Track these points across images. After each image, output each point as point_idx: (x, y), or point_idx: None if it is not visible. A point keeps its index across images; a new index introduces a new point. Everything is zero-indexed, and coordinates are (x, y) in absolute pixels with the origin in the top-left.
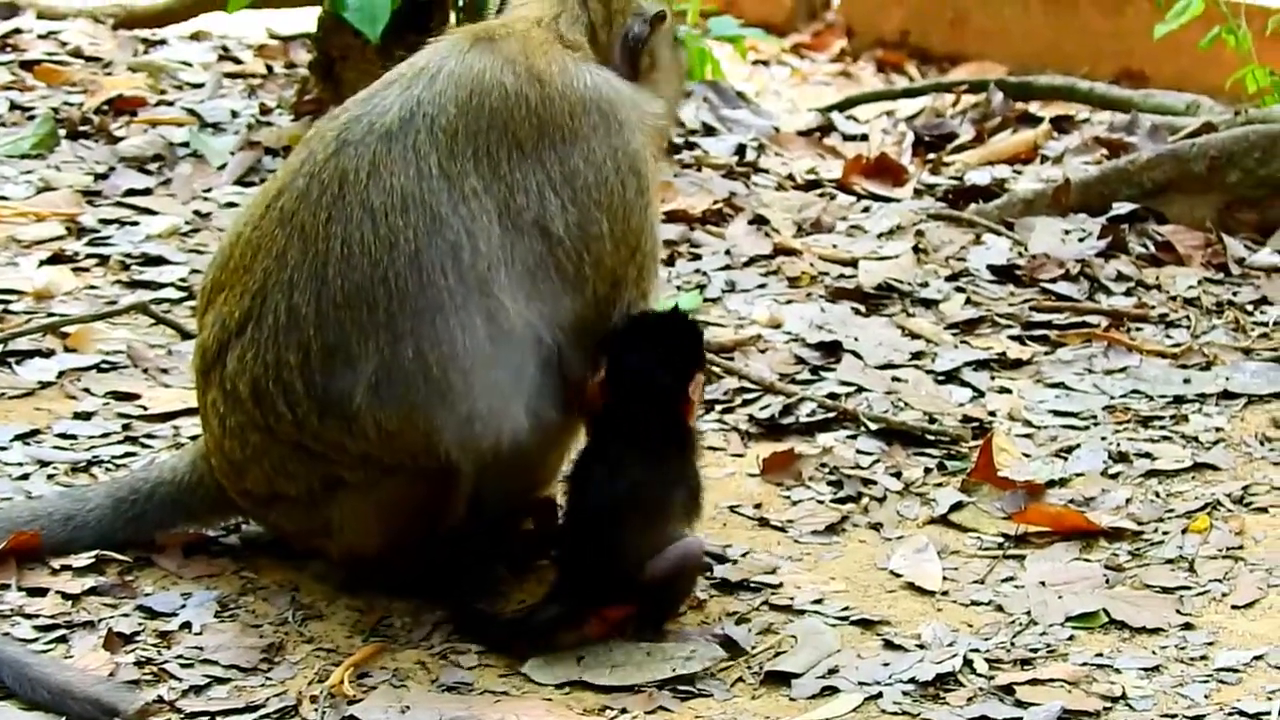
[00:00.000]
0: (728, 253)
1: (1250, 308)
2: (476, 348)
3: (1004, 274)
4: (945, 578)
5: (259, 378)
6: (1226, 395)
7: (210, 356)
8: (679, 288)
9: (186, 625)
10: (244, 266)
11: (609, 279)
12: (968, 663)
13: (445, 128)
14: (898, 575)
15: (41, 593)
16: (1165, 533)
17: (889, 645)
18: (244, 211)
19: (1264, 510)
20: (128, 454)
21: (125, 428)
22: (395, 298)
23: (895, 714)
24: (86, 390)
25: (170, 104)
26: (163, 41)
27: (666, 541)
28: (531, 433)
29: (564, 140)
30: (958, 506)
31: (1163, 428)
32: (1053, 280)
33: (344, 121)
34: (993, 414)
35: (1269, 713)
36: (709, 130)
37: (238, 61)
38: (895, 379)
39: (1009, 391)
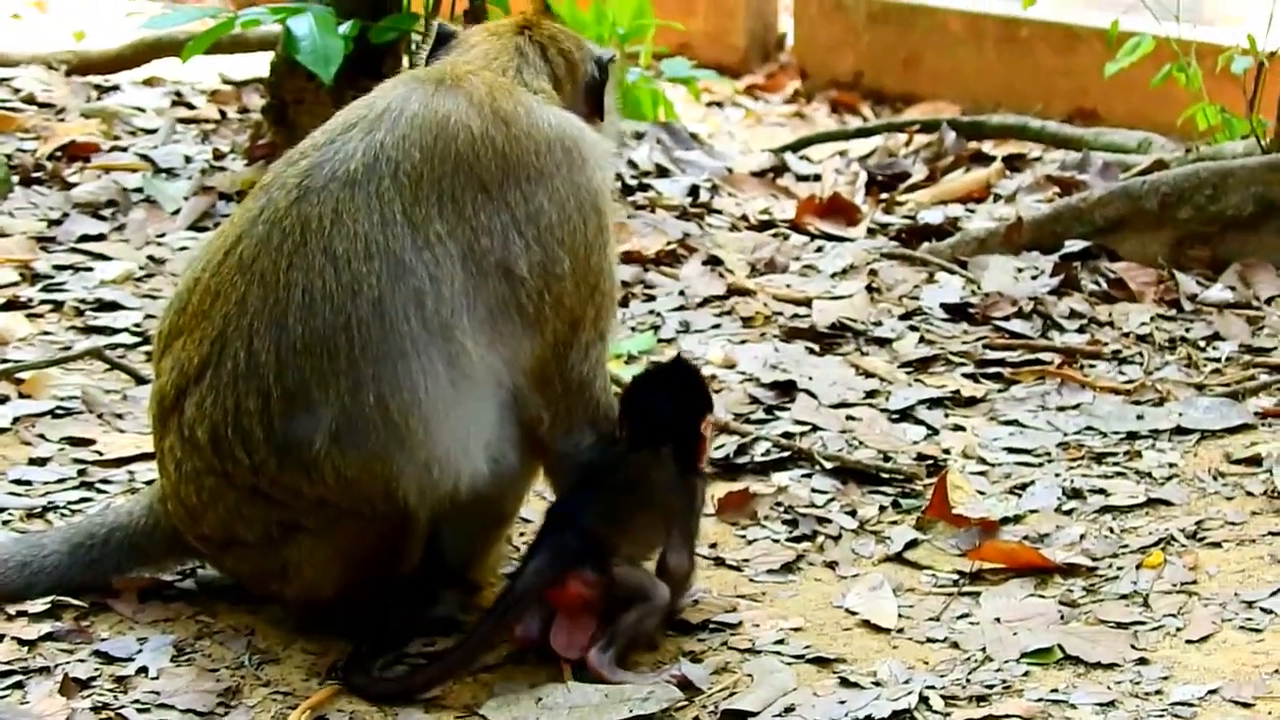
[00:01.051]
0: (682, 293)
1: (1203, 343)
2: (438, 393)
3: (957, 312)
4: (901, 615)
5: (218, 424)
6: (1180, 431)
7: (168, 402)
8: (634, 329)
9: (143, 670)
10: (202, 312)
11: (568, 319)
12: (924, 700)
13: (409, 173)
14: (853, 613)
15: None
16: (1119, 568)
17: (845, 683)
18: (201, 257)
19: (1217, 545)
20: (83, 499)
21: (81, 473)
22: (357, 344)
23: None
24: (41, 436)
25: (124, 150)
26: (116, 87)
27: (642, 559)
28: (490, 477)
29: (529, 179)
30: (913, 544)
31: (1116, 464)
32: (1006, 318)
33: (305, 167)
34: (947, 452)
35: None
36: (663, 172)
37: (191, 107)
38: (850, 418)
39: (963, 429)
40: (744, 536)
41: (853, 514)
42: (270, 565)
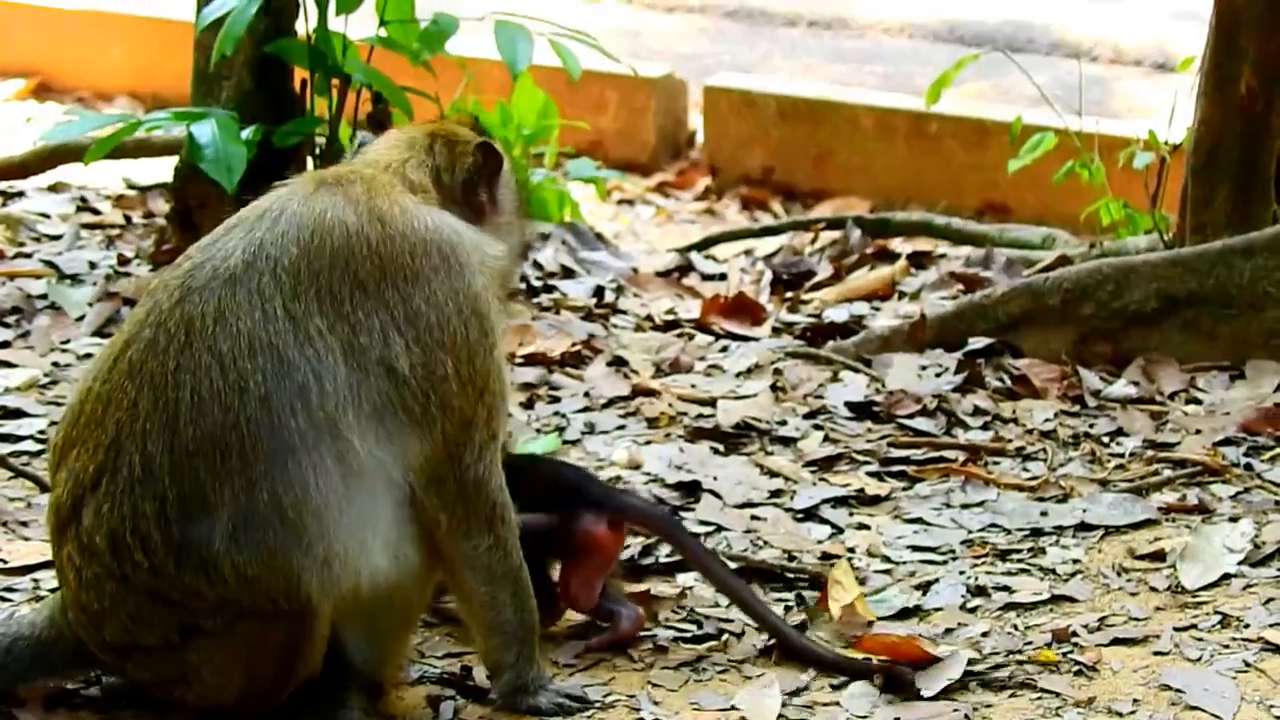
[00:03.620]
0: (587, 394)
1: (1106, 439)
2: (330, 489)
3: (862, 411)
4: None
5: (115, 530)
6: (1084, 527)
7: (65, 513)
8: (538, 430)
9: None
10: (95, 420)
11: (458, 420)
12: None
13: (288, 268)
14: (736, 709)
15: None
16: (1020, 663)
17: None
18: (93, 366)
19: (1121, 641)
20: None
21: None
22: (247, 442)
23: None
24: None
25: (28, 256)
26: (20, 194)
27: None
28: (393, 574)
29: (405, 280)
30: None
31: (1020, 560)
32: (910, 416)
33: (187, 269)
34: (851, 550)
35: None
36: (567, 272)
37: (96, 212)
38: (754, 517)
39: (867, 528)
40: (651, 637)
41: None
42: (171, 671)
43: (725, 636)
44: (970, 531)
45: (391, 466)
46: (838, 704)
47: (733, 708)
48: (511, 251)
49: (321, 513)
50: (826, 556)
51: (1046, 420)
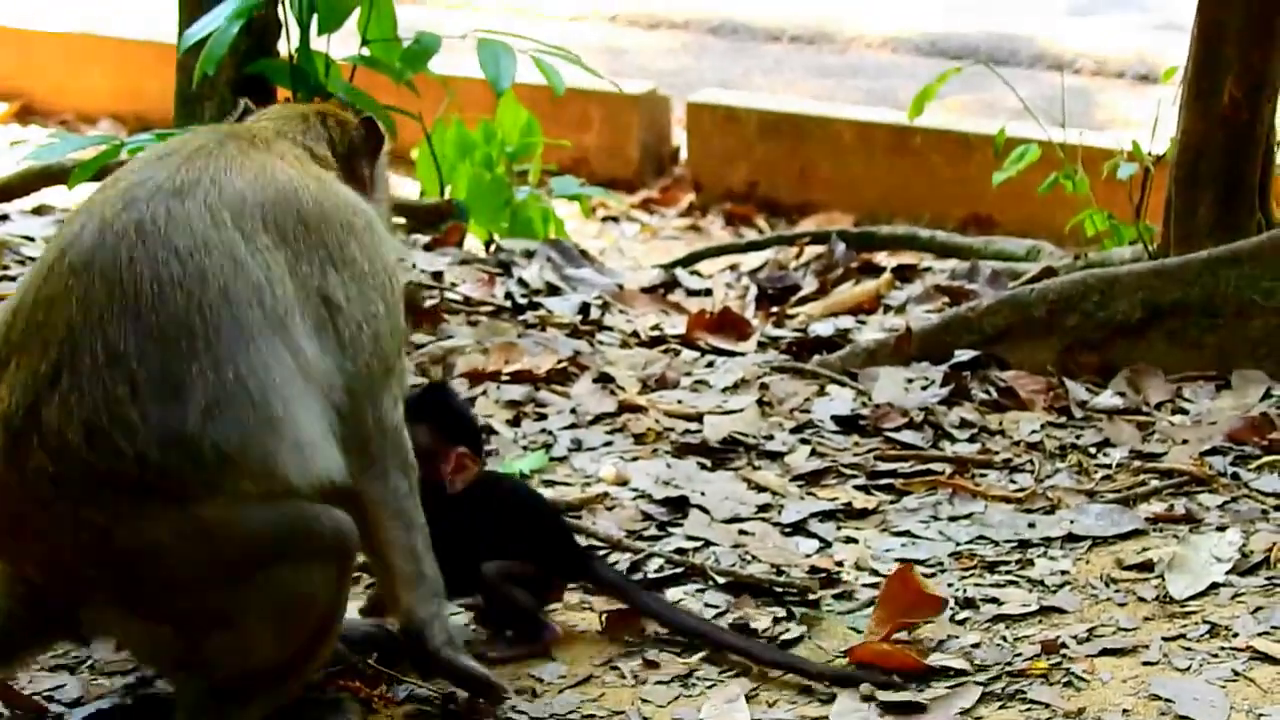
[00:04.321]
0: (573, 411)
1: (1093, 450)
2: (288, 380)
3: (848, 424)
4: None
5: (90, 419)
6: (1071, 538)
7: (16, 426)
8: (525, 448)
9: None
10: (36, 325)
11: (383, 361)
12: None
13: (233, 194)
14: None
15: None
16: (1010, 675)
17: None
18: (20, 285)
19: (1110, 651)
20: None
21: None
22: (211, 326)
23: None
24: None
25: (12, 279)
26: (5, 217)
27: None
28: (347, 484)
29: (343, 229)
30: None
31: (1008, 572)
32: (897, 429)
33: (126, 186)
34: (840, 564)
35: None
36: (553, 289)
37: None
38: (742, 532)
39: (855, 541)
40: (639, 652)
41: (745, 627)
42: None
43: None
44: (958, 544)
45: (331, 378)
46: (825, 718)
47: None
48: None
49: (286, 400)
50: (815, 570)
51: (1033, 432)
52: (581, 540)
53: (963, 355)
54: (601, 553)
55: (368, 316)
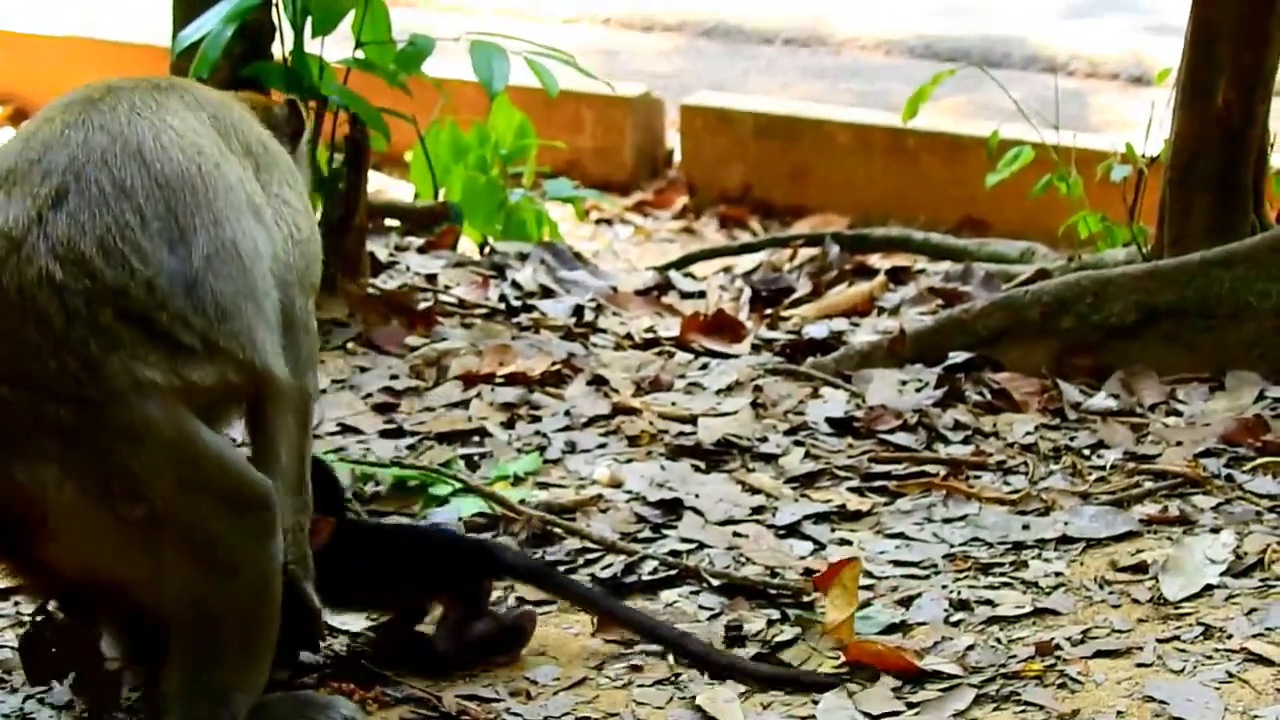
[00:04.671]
0: (567, 414)
1: (1087, 452)
2: (262, 258)
3: (842, 426)
4: None
5: (104, 237)
6: (1065, 540)
7: (20, 232)
8: (519, 450)
9: None
10: (32, 161)
11: (309, 278)
12: None
13: (208, 102)
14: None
15: None
16: (1004, 677)
17: None
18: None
19: (1104, 653)
20: None
21: None
22: (210, 190)
23: None
24: None
25: None
26: None
27: None
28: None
29: (290, 171)
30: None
31: (1003, 574)
32: (890, 431)
33: (107, 84)
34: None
35: None
36: (546, 292)
37: None
38: (736, 534)
39: (849, 543)
40: (632, 654)
41: (739, 629)
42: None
43: None
44: (952, 546)
45: (285, 274)
46: (814, 718)
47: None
48: None
49: (262, 275)
50: (809, 572)
51: (1027, 434)
52: (576, 543)
53: (957, 357)
54: (595, 555)
55: (308, 235)
